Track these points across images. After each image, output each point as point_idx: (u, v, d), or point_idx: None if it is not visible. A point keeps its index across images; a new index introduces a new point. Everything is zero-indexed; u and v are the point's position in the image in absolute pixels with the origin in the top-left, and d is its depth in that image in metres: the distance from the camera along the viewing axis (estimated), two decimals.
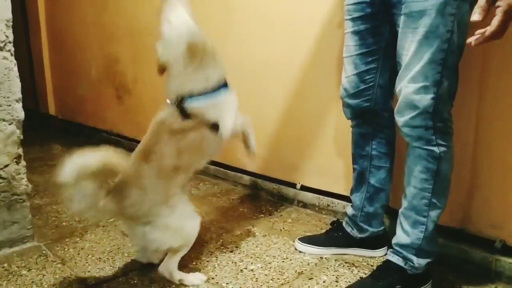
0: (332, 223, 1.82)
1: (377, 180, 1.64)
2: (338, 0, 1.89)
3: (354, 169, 1.70)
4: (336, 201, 2.08)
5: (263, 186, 2.37)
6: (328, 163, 2.10)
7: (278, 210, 2.18)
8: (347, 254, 1.72)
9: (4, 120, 1.71)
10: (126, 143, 3.28)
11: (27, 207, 1.82)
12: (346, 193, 2.02)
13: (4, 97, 1.69)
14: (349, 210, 1.72)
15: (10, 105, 1.71)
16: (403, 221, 1.43)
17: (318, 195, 2.15)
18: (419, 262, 1.40)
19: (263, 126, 2.33)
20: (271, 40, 2.21)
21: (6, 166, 1.73)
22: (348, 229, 1.72)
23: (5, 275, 1.60)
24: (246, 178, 2.46)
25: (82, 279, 1.57)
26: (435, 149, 1.34)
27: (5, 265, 1.66)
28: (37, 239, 1.86)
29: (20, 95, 1.74)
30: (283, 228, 1.98)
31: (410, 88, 1.31)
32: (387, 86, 1.53)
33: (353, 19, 1.50)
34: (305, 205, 2.19)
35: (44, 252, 1.77)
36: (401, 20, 1.33)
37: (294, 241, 1.81)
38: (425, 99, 1.30)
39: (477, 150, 1.61)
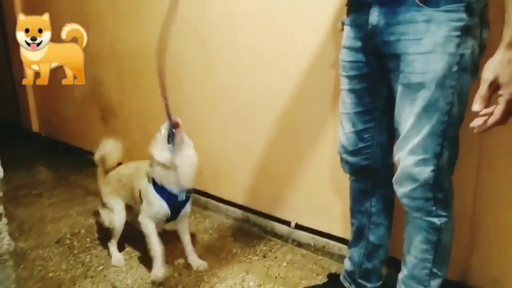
0: (329, 276, 1.77)
1: (376, 237, 1.58)
2: (332, 40, 1.81)
3: (352, 224, 1.64)
4: (332, 242, 2.03)
5: (256, 221, 2.31)
6: (324, 202, 2.04)
7: (273, 250, 2.12)
8: None
9: None
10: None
11: (10, 266, 1.73)
12: (343, 235, 1.97)
13: None
14: (347, 265, 1.66)
15: None
16: None
17: (313, 235, 2.09)
18: None
19: (255, 157, 2.26)
20: (263, 73, 2.12)
21: None
22: (346, 284, 1.66)
23: None
24: (238, 212, 2.39)
25: None
26: (436, 220, 1.28)
27: None
28: None
29: None
30: (278, 274, 1.92)
31: (409, 161, 1.25)
32: (386, 144, 1.47)
33: (349, 77, 1.43)
34: (300, 245, 2.13)
35: None
36: (399, 89, 1.26)
37: None
38: (425, 172, 1.24)
39: (477, 205, 1.56)
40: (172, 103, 1.67)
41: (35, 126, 3.92)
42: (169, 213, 1.85)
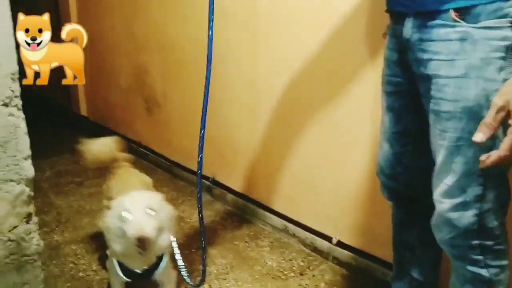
0: None
1: (420, 273, 1.40)
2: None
3: (394, 256, 1.47)
4: (374, 265, 1.85)
5: (295, 232, 2.16)
6: (368, 221, 1.87)
7: (311, 268, 1.97)
8: None
9: (11, 180, 1.56)
10: (153, 157, 3.15)
11: (38, 267, 1.69)
12: (385, 257, 1.80)
13: (10, 157, 1.54)
14: None
15: (17, 164, 1.56)
16: None
17: (354, 255, 1.93)
18: None
19: (296, 165, 2.11)
20: (307, 77, 1.95)
21: (15, 227, 1.60)
22: None
23: None
24: (276, 220, 2.26)
25: None
26: (484, 272, 1.09)
27: None
28: None
29: (28, 152, 1.58)
30: None
31: (446, 205, 1.07)
32: (428, 171, 1.26)
33: (387, 93, 1.26)
34: (340, 263, 1.97)
35: None
36: (430, 116, 1.08)
37: None
38: (466, 217, 1.05)
39: None
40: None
41: (84, 111, 3.94)
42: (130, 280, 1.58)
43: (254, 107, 2.25)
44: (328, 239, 2.03)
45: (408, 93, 1.19)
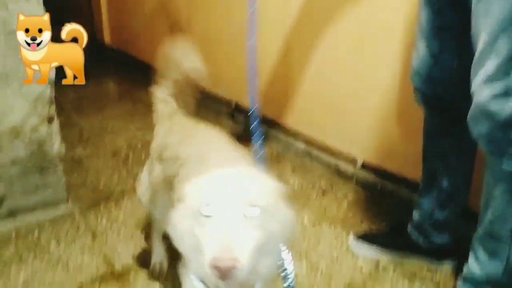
0: (393, 226, 1.56)
1: (451, 183, 1.33)
2: None
3: (424, 167, 1.40)
4: (401, 188, 1.79)
5: (318, 156, 2.11)
6: (396, 142, 1.79)
7: (333, 189, 1.93)
8: (408, 259, 1.47)
9: None
10: None
11: (60, 170, 1.70)
12: (413, 180, 1.73)
13: None
14: (416, 215, 1.44)
15: None
16: (478, 248, 1.15)
17: (380, 178, 1.87)
18: None
19: (319, 87, 2.02)
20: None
21: (37, 129, 1.59)
22: (414, 235, 1.45)
23: (33, 247, 1.51)
24: (299, 145, 2.20)
25: (110, 263, 1.45)
26: None
27: (36, 233, 1.58)
28: (72, 202, 1.75)
29: None
30: (337, 214, 1.74)
31: (486, 93, 0.98)
32: (467, 72, 1.12)
33: None
34: (364, 185, 1.92)
35: (76, 221, 1.66)
36: None
37: (347, 234, 1.58)
38: (508, 107, 0.96)
39: None
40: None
41: (107, 38, 3.89)
42: None
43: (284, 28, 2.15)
44: (353, 162, 1.97)
45: None
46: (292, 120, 2.25)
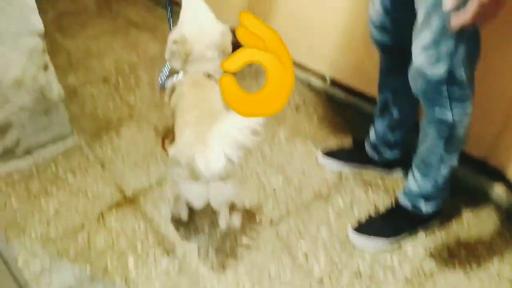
0: (354, 141, 1.85)
1: (400, 113, 1.60)
2: None
3: (378, 97, 1.65)
4: (362, 101, 2.05)
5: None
6: (360, 61, 2.00)
7: (305, 104, 2.18)
8: (365, 171, 1.79)
9: (24, 34, 1.66)
10: None
11: (63, 109, 1.90)
12: (373, 95, 1.97)
13: (20, 11, 1.61)
14: (372, 135, 1.72)
15: (27, 19, 1.64)
16: (415, 171, 1.46)
17: (346, 93, 2.11)
18: (427, 209, 1.48)
19: (291, 4, 2.15)
20: None
21: (35, 77, 1.76)
22: (369, 152, 1.75)
23: (54, 180, 1.79)
24: None
25: (121, 189, 1.75)
26: (449, 116, 1.27)
27: (52, 167, 1.85)
28: (77, 133, 1.98)
29: (34, 5, 1.65)
30: (308, 130, 2.02)
31: (422, 58, 1.20)
32: (414, 24, 1.35)
33: None
34: (333, 100, 2.17)
35: (85, 152, 1.92)
36: None
37: (316, 149, 1.88)
38: (438, 70, 1.19)
39: None
40: None
41: None
42: None
43: None
44: (322, 78, 2.19)
45: None
46: None
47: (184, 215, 1.54)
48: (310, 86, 2.26)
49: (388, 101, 1.60)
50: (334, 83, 2.16)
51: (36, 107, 1.81)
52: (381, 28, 1.42)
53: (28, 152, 1.87)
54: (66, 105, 1.94)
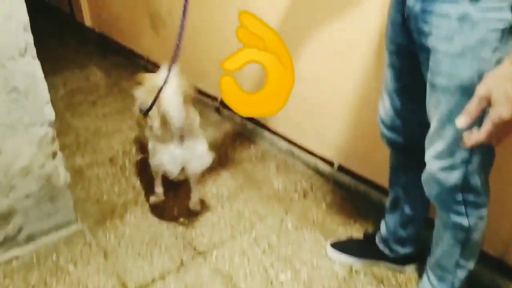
0: (365, 235, 1.80)
1: (412, 209, 1.56)
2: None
3: (389, 192, 1.62)
4: (371, 189, 2.03)
5: (299, 156, 2.32)
6: (368, 148, 1.99)
7: (313, 190, 2.16)
8: (376, 266, 1.73)
9: (36, 124, 1.68)
10: None
11: (68, 196, 1.89)
12: (382, 183, 1.96)
13: (33, 103, 1.64)
14: (383, 230, 1.68)
15: (40, 109, 1.67)
16: (430, 274, 1.41)
17: (355, 180, 2.10)
18: None
19: (302, 90, 2.18)
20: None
21: (43, 165, 1.75)
22: (380, 246, 1.70)
23: (54, 271, 1.73)
24: (282, 144, 2.40)
25: (123, 282, 1.68)
26: (465, 221, 1.25)
27: (54, 257, 1.80)
28: (80, 219, 1.95)
29: (48, 97, 1.68)
30: (316, 218, 1.98)
31: (435, 165, 1.19)
32: (426, 125, 1.33)
33: (389, 52, 1.32)
34: (341, 187, 2.15)
35: (87, 240, 1.88)
36: (427, 86, 1.16)
37: (326, 240, 1.83)
38: (452, 177, 1.18)
39: None
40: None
41: (88, 21, 3.89)
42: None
43: None
44: (330, 163, 2.18)
45: (409, 55, 1.24)
46: (276, 122, 2.42)
47: (160, 192, 2.04)
48: (318, 171, 2.24)
49: (399, 197, 1.57)
50: (342, 169, 2.14)
51: (42, 194, 1.80)
52: (392, 128, 1.42)
53: (30, 239, 1.83)
54: (71, 188, 1.92)
